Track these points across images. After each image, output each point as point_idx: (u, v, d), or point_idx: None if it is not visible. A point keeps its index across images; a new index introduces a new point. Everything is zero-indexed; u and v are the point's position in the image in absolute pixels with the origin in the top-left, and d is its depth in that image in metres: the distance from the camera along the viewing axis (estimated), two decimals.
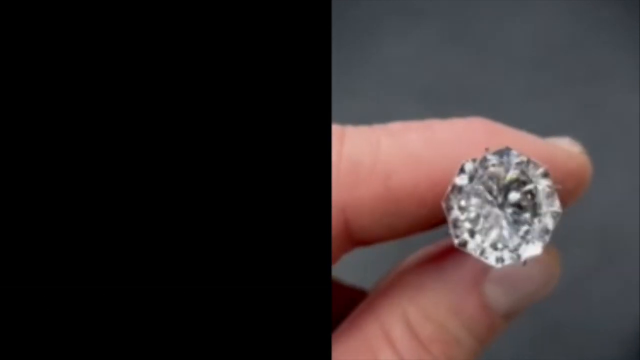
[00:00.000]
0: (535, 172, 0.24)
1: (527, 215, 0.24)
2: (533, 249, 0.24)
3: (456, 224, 0.24)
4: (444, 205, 0.24)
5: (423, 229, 0.27)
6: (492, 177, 0.24)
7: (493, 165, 0.24)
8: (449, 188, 0.24)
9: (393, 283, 0.27)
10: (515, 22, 0.53)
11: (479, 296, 0.26)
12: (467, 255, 0.25)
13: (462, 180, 0.24)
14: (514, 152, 0.24)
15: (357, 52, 0.52)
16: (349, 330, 0.26)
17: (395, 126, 0.26)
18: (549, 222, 0.24)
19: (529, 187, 0.24)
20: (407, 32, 0.53)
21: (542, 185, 0.24)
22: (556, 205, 0.24)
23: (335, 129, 0.26)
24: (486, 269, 0.26)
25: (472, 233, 0.24)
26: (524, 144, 0.26)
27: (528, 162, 0.24)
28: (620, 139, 0.49)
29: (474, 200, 0.24)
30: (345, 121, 0.30)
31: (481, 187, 0.24)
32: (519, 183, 0.24)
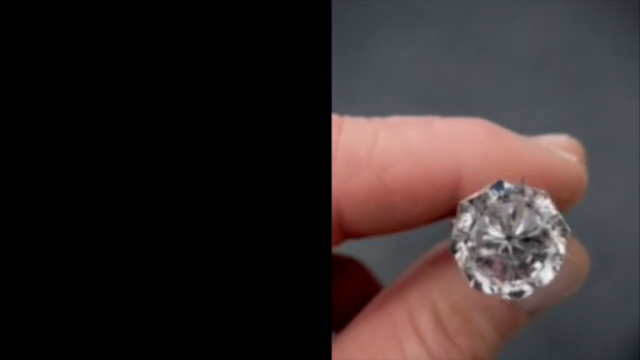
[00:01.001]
0: (535, 197, 0.24)
1: (534, 246, 0.24)
2: (548, 276, 0.24)
3: (468, 271, 0.24)
4: (450, 249, 0.24)
5: (416, 226, 0.26)
6: (495, 212, 0.24)
7: (492, 202, 0.24)
8: (453, 232, 0.24)
9: (424, 272, 0.27)
10: (515, 24, 0.53)
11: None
12: None
13: (465, 222, 0.24)
14: (507, 183, 0.24)
15: (356, 55, 0.52)
16: (376, 314, 0.26)
17: (395, 120, 0.26)
18: (560, 246, 0.24)
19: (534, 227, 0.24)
20: (406, 35, 0.53)
21: (547, 209, 0.24)
22: (564, 226, 0.24)
23: (334, 118, 0.26)
24: None
25: (483, 272, 0.24)
26: (521, 145, 0.26)
27: (524, 190, 0.24)
28: (620, 140, 0.49)
29: (480, 240, 0.24)
30: None
31: (485, 227, 0.24)
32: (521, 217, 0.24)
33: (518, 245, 0.24)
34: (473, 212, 0.24)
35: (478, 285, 0.24)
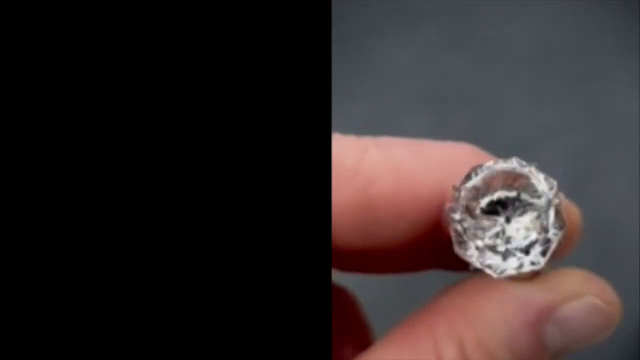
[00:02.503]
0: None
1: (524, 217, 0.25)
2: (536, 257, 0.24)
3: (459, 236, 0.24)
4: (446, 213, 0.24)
5: (399, 244, 0.27)
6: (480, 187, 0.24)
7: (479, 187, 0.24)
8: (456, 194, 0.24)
9: (453, 302, 0.27)
10: (516, 23, 0.53)
11: (537, 334, 0.26)
12: (533, 293, 0.25)
13: (461, 213, 0.24)
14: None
15: (358, 55, 0.52)
16: (400, 339, 0.26)
17: (385, 140, 0.27)
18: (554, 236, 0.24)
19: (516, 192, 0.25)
20: (407, 34, 0.53)
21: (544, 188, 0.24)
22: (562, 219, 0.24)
23: None
24: (552, 310, 0.26)
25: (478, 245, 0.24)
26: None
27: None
28: (620, 139, 0.49)
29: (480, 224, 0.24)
30: (347, 123, 0.30)
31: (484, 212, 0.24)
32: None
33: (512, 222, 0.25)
34: (468, 196, 0.24)
35: (466, 255, 0.24)
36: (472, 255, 0.25)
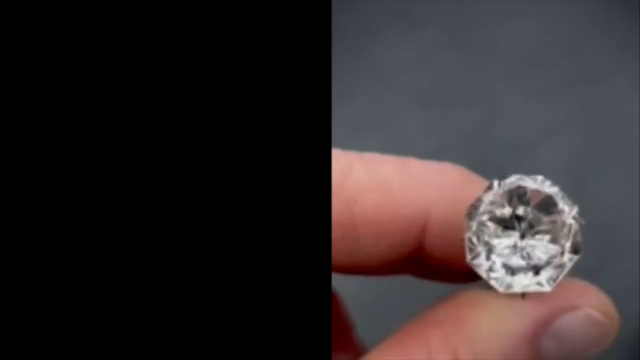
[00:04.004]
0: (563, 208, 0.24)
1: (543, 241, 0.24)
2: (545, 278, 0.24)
3: (488, 272, 0.24)
4: (466, 216, 0.24)
5: (379, 266, 0.26)
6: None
7: (500, 198, 0.24)
8: (478, 203, 0.24)
9: (448, 314, 0.26)
10: (515, 23, 0.53)
11: (533, 348, 0.25)
12: (529, 306, 0.25)
13: (478, 225, 0.24)
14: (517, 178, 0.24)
15: (357, 56, 0.52)
16: (395, 349, 0.26)
17: (372, 156, 0.26)
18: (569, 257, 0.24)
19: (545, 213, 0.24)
20: (407, 35, 0.53)
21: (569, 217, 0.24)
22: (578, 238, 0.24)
23: None
24: (548, 322, 0.25)
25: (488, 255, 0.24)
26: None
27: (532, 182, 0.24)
28: (620, 139, 0.49)
29: (498, 239, 0.24)
30: (346, 125, 0.30)
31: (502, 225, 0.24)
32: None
33: (529, 240, 0.24)
34: (488, 209, 0.24)
35: (476, 264, 0.24)
36: (480, 265, 0.24)
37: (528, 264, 0.24)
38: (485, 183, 0.25)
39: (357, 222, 0.26)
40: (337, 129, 0.27)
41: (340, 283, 0.31)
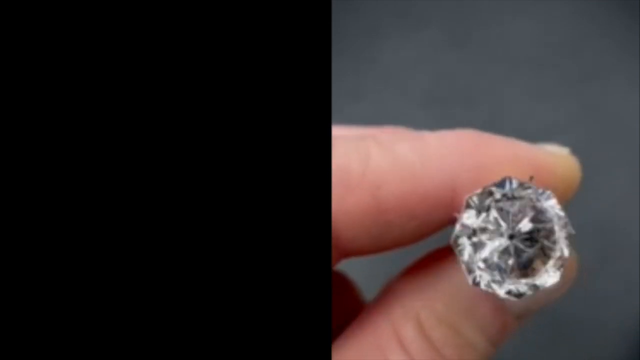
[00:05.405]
0: (541, 196, 0.24)
1: (536, 245, 0.24)
2: (552, 278, 0.24)
3: (469, 266, 0.24)
4: (453, 244, 0.24)
5: (412, 241, 0.26)
6: (500, 209, 0.24)
7: (497, 199, 0.24)
8: (457, 227, 0.24)
9: (405, 284, 0.27)
10: (516, 23, 0.53)
11: (494, 298, 0.26)
12: None
13: (469, 218, 0.24)
14: (514, 181, 0.24)
15: (359, 56, 0.52)
16: (359, 330, 0.26)
17: (386, 136, 0.26)
18: (565, 249, 0.24)
19: (542, 221, 0.24)
20: (410, 35, 0.53)
21: (553, 210, 0.24)
22: (569, 229, 0.24)
23: None
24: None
25: (485, 269, 0.24)
26: (513, 151, 0.26)
27: (530, 187, 0.24)
28: (620, 138, 0.49)
29: (484, 237, 0.24)
30: (348, 124, 0.30)
31: (490, 223, 0.24)
32: (529, 214, 0.24)
33: (520, 244, 0.24)
34: (478, 208, 0.24)
35: (477, 283, 0.24)
36: (463, 248, 0.24)
37: (507, 266, 0.24)
38: (500, 141, 0.25)
39: (385, 208, 0.25)
40: None
41: (350, 267, 0.31)
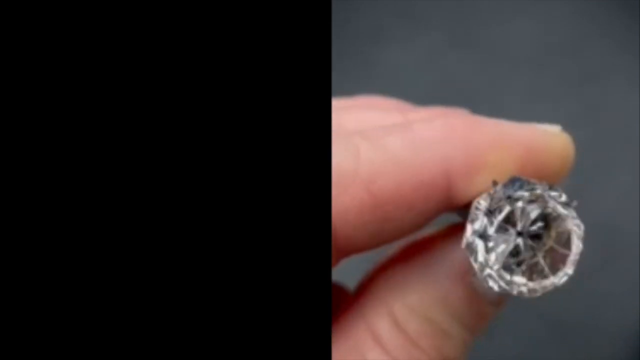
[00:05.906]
0: (545, 191, 0.24)
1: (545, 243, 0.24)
2: (564, 276, 0.24)
3: (483, 268, 0.24)
4: (466, 250, 0.24)
5: (411, 232, 0.26)
6: (509, 210, 0.24)
7: (506, 199, 0.24)
8: (468, 232, 0.24)
9: (376, 280, 0.26)
10: (516, 23, 0.53)
11: (466, 286, 0.25)
12: (452, 248, 0.25)
13: (478, 222, 0.24)
14: (521, 180, 0.24)
15: (360, 58, 0.52)
16: (335, 331, 0.26)
17: (373, 129, 0.26)
18: (576, 245, 0.24)
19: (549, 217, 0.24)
20: (410, 38, 0.53)
21: (561, 208, 0.24)
22: (578, 224, 0.24)
23: None
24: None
25: (498, 270, 0.24)
26: (504, 130, 0.26)
27: (537, 185, 0.24)
28: (620, 138, 0.49)
29: (495, 238, 0.24)
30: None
31: (500, 224, 0.24)
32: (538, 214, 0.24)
33: (531, 243, 0.24)
34: (486, 211, 0.24)
35: (491, 285, 0.24)
36: (476, 251, 0.24)
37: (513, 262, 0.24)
38: (490, 122, 0.25)
39: (381, 202, 0.25)
40: None
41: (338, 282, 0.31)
